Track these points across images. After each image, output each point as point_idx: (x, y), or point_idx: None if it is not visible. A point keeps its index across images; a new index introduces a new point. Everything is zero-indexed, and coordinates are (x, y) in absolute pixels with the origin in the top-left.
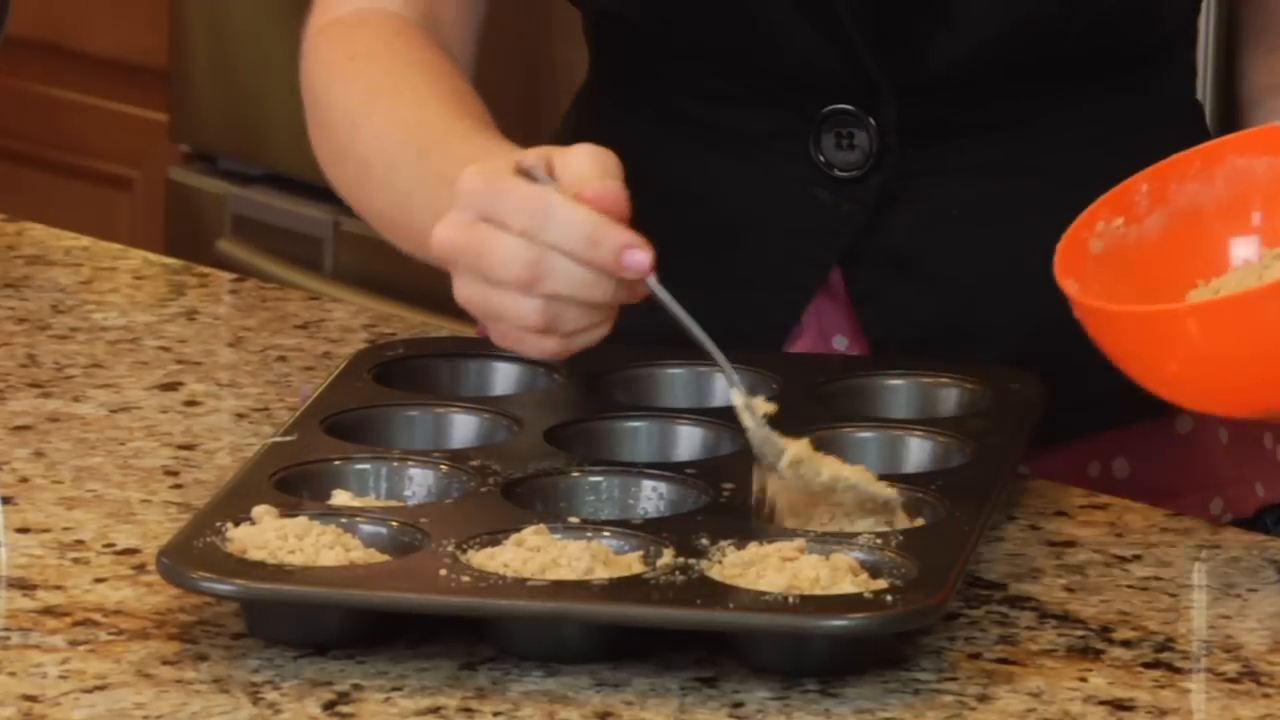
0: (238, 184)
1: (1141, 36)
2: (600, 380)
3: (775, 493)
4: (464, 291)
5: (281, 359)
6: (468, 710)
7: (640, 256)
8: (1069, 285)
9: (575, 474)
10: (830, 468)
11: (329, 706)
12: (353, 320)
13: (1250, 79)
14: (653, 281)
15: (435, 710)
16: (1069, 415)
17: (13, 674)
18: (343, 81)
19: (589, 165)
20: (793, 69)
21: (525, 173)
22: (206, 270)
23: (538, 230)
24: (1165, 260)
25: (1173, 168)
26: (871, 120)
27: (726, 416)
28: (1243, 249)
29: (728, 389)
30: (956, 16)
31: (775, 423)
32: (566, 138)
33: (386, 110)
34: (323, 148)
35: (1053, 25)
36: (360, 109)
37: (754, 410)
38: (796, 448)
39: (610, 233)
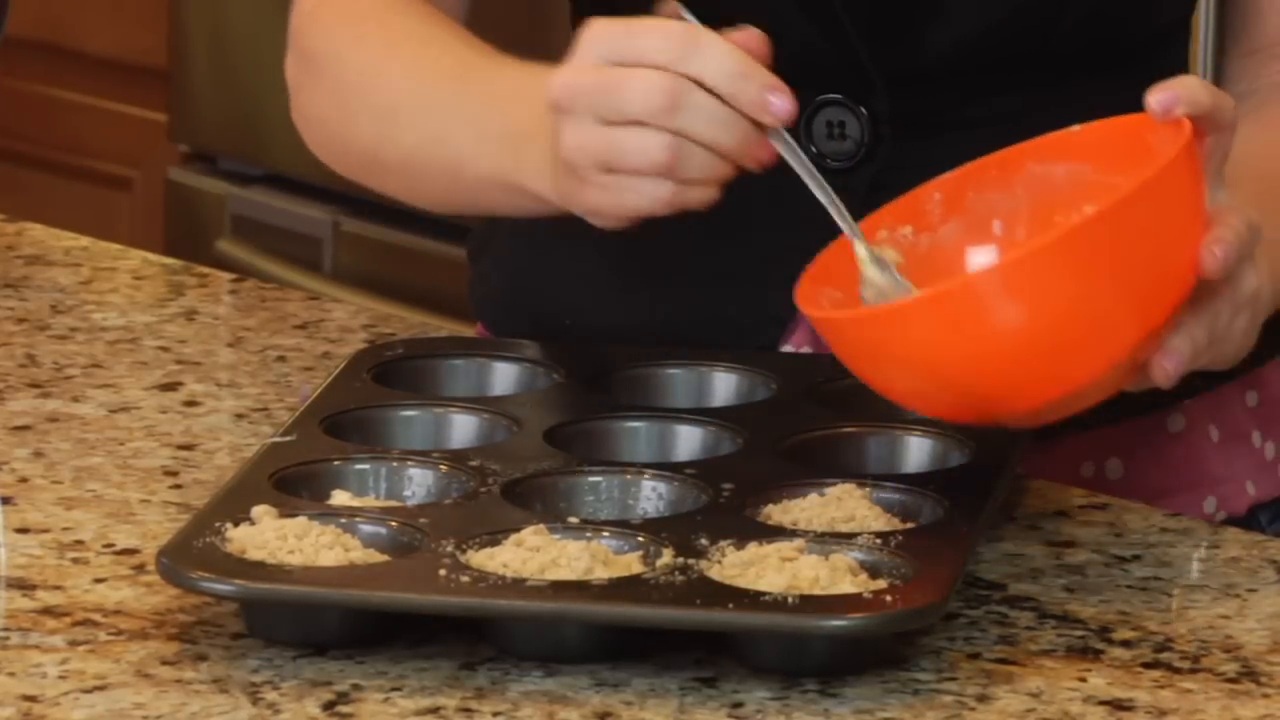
0: (237, 184)
1: (1135, 30)
2: (600, 380)
3: None
4: (578, 137)
5: (281, 359)
6: (467, 710)
7: (783, 101)
8: (824, 295)
9: (575, 474)
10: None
11: (328, 707)
12: (352, 320)
13: (1228, 82)
14: (780, 135)
15: (435, 710)
16: None
17: (12, 674)
18: (355, 41)
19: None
20: (784, 59)
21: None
22: (206, 270)
23: (682, 61)
24: (952, 269)
25: (968, 176)
26: (863, 110)
27: (726, 417)
28: (981, 257)
29: (851, 240)
30: (949, 7)
31: (775, 412)
32: None
33: (411, 56)
34: (330, 113)
35: (1044, 17)
36: (381, 59)
37: (883, 261)
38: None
39: (758, 71)
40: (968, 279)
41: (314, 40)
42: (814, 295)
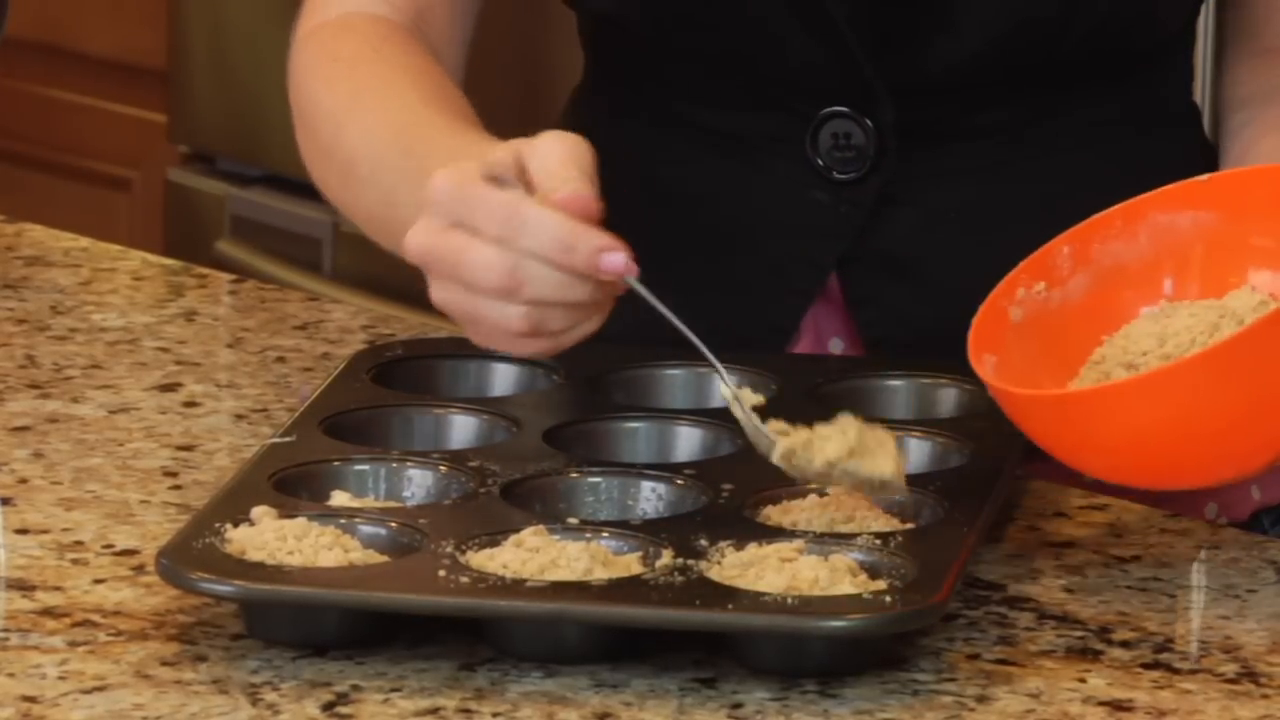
0: (237, 185)
1: (1140, 40)
2: (600, 381)
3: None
4: (441, 295)
5: (280, 360)
6: (467, 711)
7: (617, 258)
8: (985, 362)
9: (574, 475)
10: (825, 453)
11: (328, 707)
12: (351, 321)
13: (1230, 84)
14: (633, 280)
15: (434, 711)
16: None
17: (12, 675)
18: (327, 83)
19: (558, 157)
20: (789, 72)
21: (494, 178)
22: (205, 271)
23: (512, 238)
24: (1084, 322)
25: (1094, 228)
26: (869, 122)
27: (726, 417)
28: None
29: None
30: (953, 19)
31: (775, 413)
32: None
33: (371, 110)
34: (308, 149)
35: (1050, 28)
36: (345, 109)
37: (743, 402)
38: (788, 441)
39: (584, 236)
40: (1185, 362)
41: (297, 75)
42: (980, 362)
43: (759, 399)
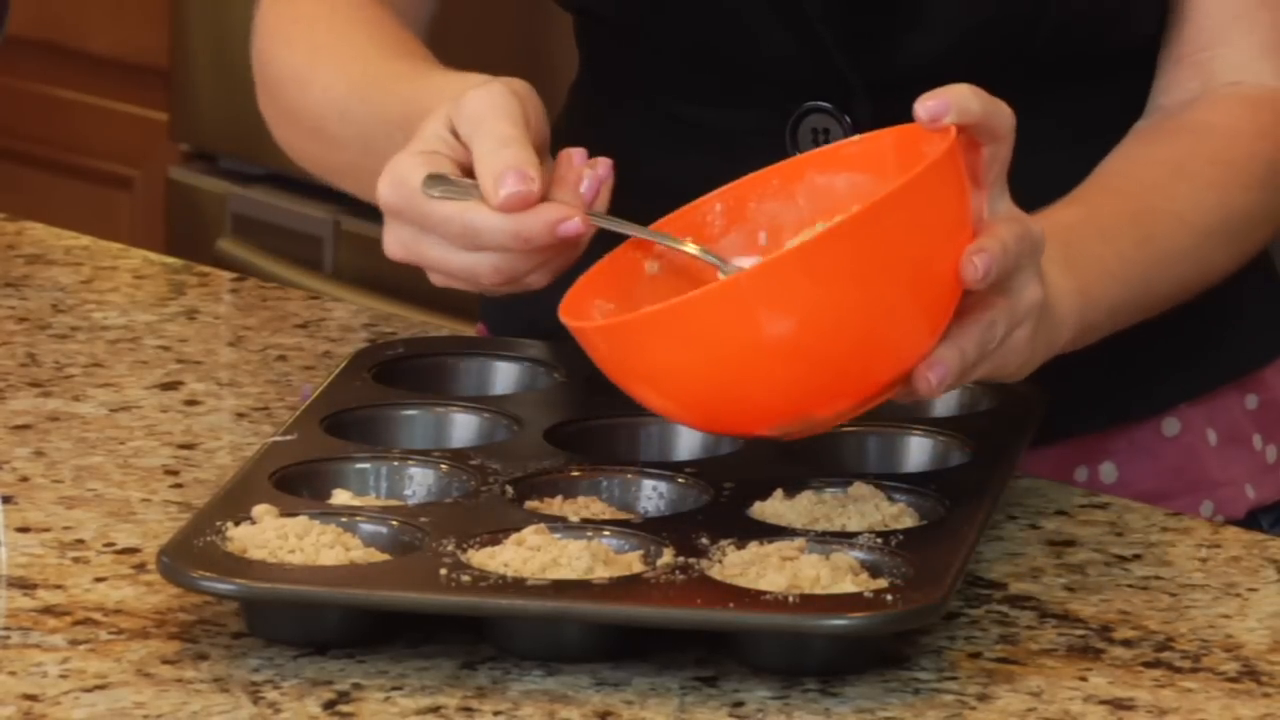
0: (238, 183)
1: (1115, 38)
2: (601, 380)
3: None
4: (395, 247)
5: (281, 358)
6: (468, 710)
7: (572, 223)
8: (597, 307)
9: (576, 473)
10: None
11: (329, 706)
12: (353, 319)
13: (1158, 92)
14: (596, 218)
15: (435, 710)
16: (1054, 417)
17: (13, 673)
18: (287, 44)
19: (483, 114)
20: (766, 66)
21: (432, 177)
22: (207, 269)
23: (472, 245)
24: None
25: (750, 186)
26: (847, 118)
27: None
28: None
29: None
30: (925, 15)
31: None
32: (560, 136)
33: (330, 65)
34: (271, 112)
35: (1022, 25)
36: (306, 67)
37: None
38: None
39: (534, 224)
40: (710, 289)
41: (259, 41)
42: (584, 306)
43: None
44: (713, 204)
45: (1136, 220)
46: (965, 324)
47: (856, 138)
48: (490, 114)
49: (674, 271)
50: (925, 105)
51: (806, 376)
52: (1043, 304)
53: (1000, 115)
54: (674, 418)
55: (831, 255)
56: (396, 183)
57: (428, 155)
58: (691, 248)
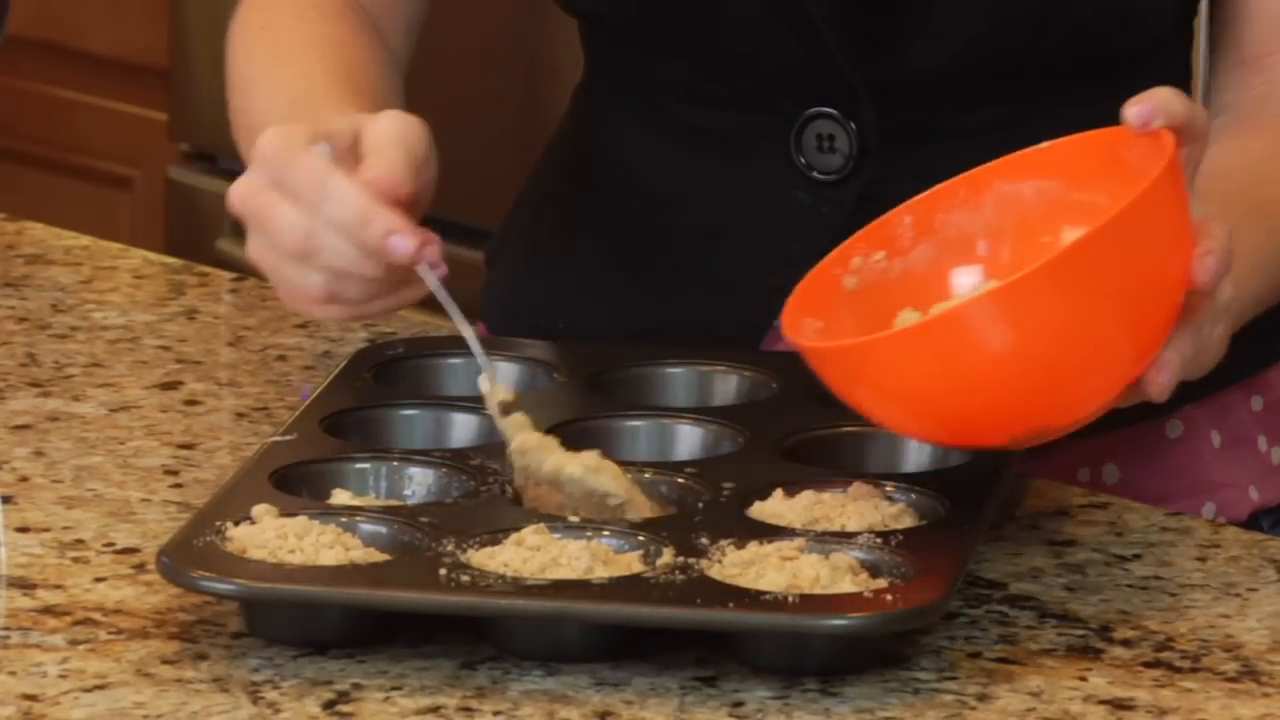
0: None
1: (1126, 41)
2: (600, 380)
3: (521, 484)
4: (254, 253)
5: (281, 358)
6: (467, 710)
7: (404, 242)
8: (807, 326)
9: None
10: (557, 461)
11: (329, 706)
12: None
13: (1215, 91)
14: (422, 268)
15: (435, 710)
16: None
17: (13, 673)
18: (247, 48)
19: (388, 135)
20: (771, 72)
21: (319, 144)
22: (206, 269)
23: (314, 204)
24: (923, 292)
25: (937, 198)
26: (852, 124)
27: (726, 416)
28: (967, 278)
29: (481, 378)
30: (931, 20)
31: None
32: (564, 139)
33: (277, 78)
34: (230, 110)
35: (1029, 28)
36: (257, 75)
37: (493, 397)
38: (524, 438)
39: (379, 216)
40: (957, 309)
41: (231, 41)
42: (798, 325)
43: (509, 395)
44: (902, 217)
45: (1259, 213)
46: (1183, 325)
47: (1045, 144)
48: (393, 137)
49: (871, 285)
50: (1135, 110)
51: (1054, 388)
52: (1231, 300)
53: (1200, 116)
54: (913, 433)
55: (1080, 267)
56: (283, 133)
57: (325, 133)
58: (483, 379)
